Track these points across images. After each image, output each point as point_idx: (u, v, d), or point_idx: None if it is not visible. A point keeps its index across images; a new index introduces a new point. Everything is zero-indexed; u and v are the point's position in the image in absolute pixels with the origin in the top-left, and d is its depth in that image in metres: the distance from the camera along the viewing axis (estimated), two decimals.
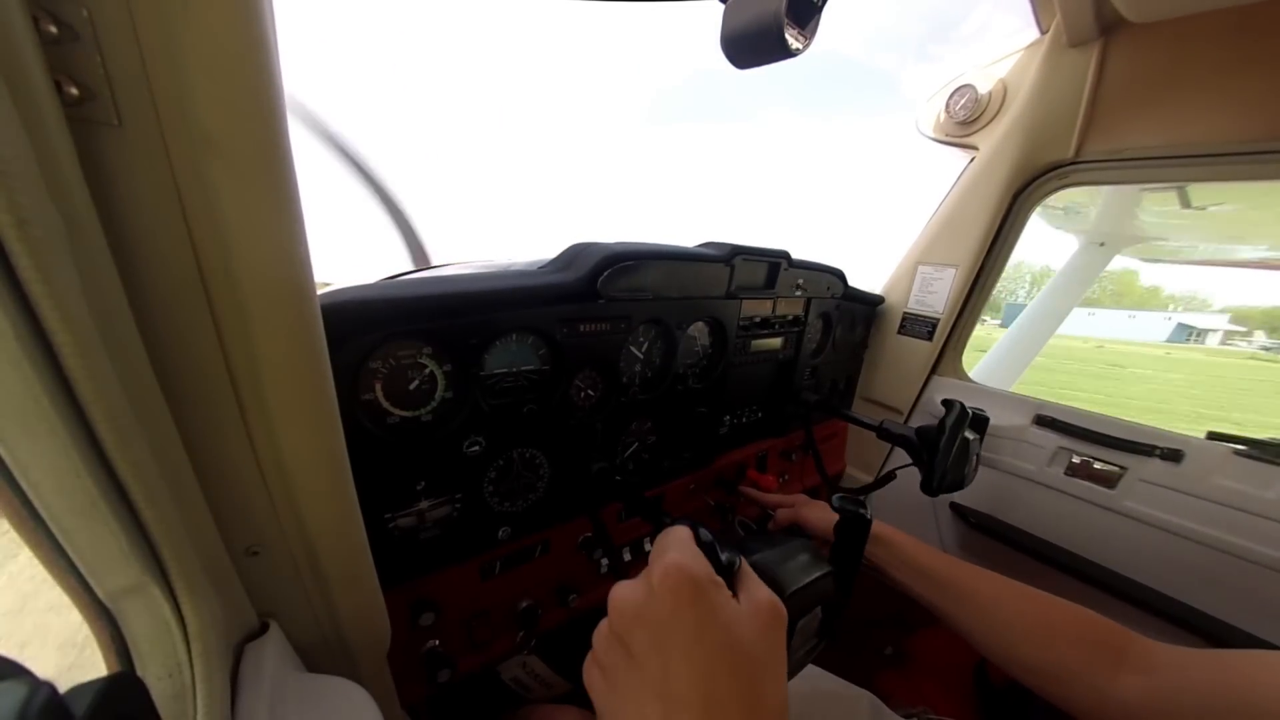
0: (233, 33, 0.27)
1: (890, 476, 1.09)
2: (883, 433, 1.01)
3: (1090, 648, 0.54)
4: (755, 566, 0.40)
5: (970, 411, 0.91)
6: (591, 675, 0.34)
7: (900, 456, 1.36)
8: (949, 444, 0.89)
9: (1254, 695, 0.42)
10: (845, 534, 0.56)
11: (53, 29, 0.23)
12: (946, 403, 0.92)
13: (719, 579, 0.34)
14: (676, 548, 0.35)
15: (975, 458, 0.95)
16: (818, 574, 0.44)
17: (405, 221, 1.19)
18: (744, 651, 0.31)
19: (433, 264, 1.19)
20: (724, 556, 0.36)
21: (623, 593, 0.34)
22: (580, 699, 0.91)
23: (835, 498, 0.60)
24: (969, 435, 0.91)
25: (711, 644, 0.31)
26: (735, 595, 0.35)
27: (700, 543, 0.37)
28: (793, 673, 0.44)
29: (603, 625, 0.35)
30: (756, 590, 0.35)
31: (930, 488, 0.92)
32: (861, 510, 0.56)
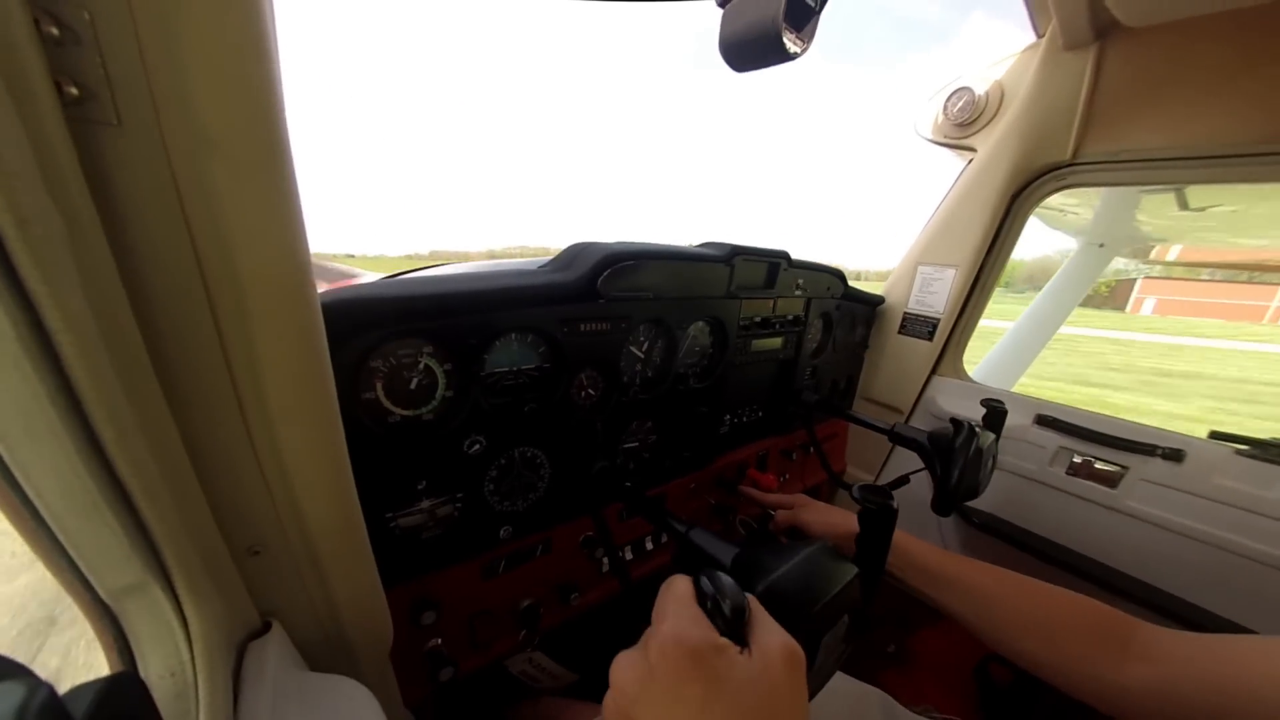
0: (232, 33, 0.27)
1: (904, 480, 1.07)
2: (894, 436, 0.98)
3: (1094, 637, 0.54)
4: (777, 586, 0.38)
5: (976, 429, 0.87)
6: None
7: (900, 455, 1.36)
8: (961, 458, 0.85)
9: (1251, 681, 0.42)
10: (871, 527, 0.55)
11: (54, 30, 0.23)
12: (955, 422, 0.89)
13: (721, 642, 0.32)
14: (674, 613, 0.33)
15: (991, 460, 0.91)
16: (845, 581, 0.42)
17: None
18: (757, 712, 0.30)
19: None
20: (727, 606, 0.34)
21: (622, 669, 0.32)
22: (590, 690, 0.91)
23: (856, 488, 0.58)
24: (985, 437, 0.88)
25: (721, 716, 0.29)
26: (746, 643, 0.33)
27: (702, 594, 0.35)
28: (821, 685, 0.42)
29: (608, 700, 0.34)
30: (767, 639, 0.33)
31: (945, 508, 0.88)
32: (889, 501, 0.55)
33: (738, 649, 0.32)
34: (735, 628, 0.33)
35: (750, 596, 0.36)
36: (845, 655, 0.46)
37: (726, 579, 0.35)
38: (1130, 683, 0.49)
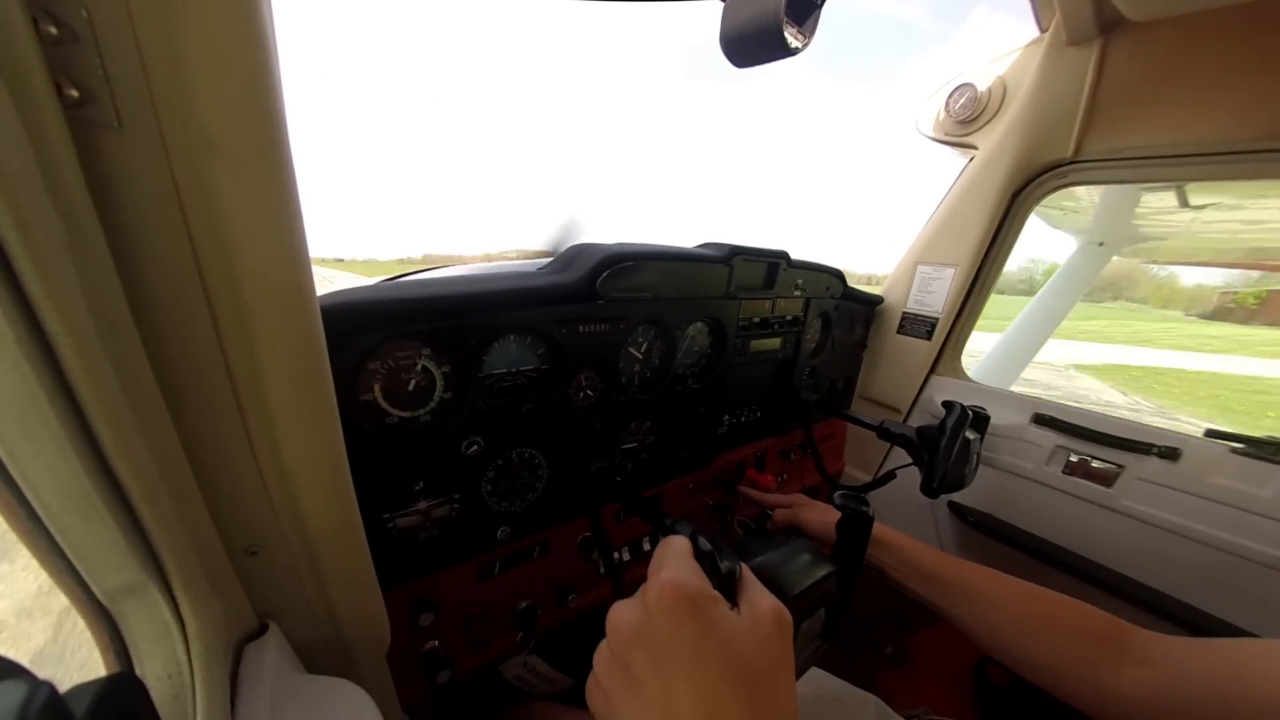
0: (232, 33, 0.27)
1: (890, 476, 1.09)
2: (883, 432, 1.01)
3: (1091, 642, 0.54)
4: (757, 570, 0.39)
5: (970, 412, 0.91)
6: (594, 697, 0.34)
7: (899, 455, 1.37)
8: (949, 445, 0.89)
9: (1248, 683, 0.42)
10: (848, 532, 0.56)
11: (53, 30, 0.23)
12: (947, 404, 0.92)
13: (716, 594, 0.34)
14: (672, 563, 0.35)
15: (975, 457, 0.95)
16: (820, 575, 0.44)
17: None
18: (745, 665, 0.31)
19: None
20: (723, 565, 0.36)
21: (620, 614, 0.34)
22: (584, 696, 0.92)
23: (837, 495, 0.59)
24: (969, 435, 0.91)
25: (711, 661, 0.30)
26: (736, 605, 0.34)
27: (699, 553, 0.37)
28: (797, 675, 0.44)
29: (603, 647, 0.35)
30: (758, 599, 0.35)
31: (930, 489, 0.92)
32: (864, 508, 0.56)
33: (729, 604, 0.34)
34: (727, 587, 0.35)
35: (742, 564, 0.38)
36: (821, 650, 0.47)
37: (721, 542, 0.38)
38: (1128, 688, 0.49)
